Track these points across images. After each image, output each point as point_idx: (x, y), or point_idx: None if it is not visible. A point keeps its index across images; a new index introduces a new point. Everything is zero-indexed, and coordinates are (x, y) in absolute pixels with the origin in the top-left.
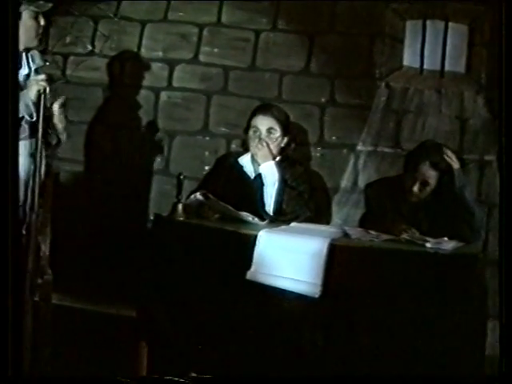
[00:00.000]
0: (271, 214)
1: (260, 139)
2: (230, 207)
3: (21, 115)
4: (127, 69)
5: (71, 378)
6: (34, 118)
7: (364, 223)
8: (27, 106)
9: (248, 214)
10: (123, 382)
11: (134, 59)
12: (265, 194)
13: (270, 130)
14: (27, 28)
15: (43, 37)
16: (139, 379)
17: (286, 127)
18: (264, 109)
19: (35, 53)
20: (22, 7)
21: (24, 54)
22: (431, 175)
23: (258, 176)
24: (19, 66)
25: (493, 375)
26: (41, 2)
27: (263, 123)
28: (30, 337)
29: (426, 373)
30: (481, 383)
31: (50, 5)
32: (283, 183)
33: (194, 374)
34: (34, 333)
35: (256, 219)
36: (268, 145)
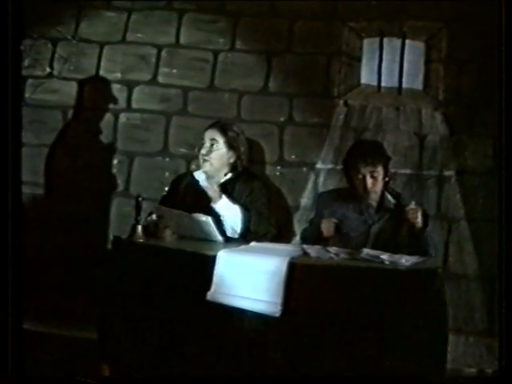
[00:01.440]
0: (236, 236)
1: (204, 151)
2: (184, 212)
3: None
4: (87, 91)
5: (72, 377)
6: None
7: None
8: None
9: (201, 215)
10: None
11: (94, 81)
12: (225, 223)
13: (212, 142)
14: None
15: None
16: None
17: (233, 141)
18: (212, 124)
19: None
20: None
21: None
22: (376, 169)
23: None
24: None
25: (493, 376)
26: None
27: (207, 135)
28: None
29: None
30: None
31: None
32: (245, 210)
33: None
34: None
35: (210, 219)
36: (210, 158)
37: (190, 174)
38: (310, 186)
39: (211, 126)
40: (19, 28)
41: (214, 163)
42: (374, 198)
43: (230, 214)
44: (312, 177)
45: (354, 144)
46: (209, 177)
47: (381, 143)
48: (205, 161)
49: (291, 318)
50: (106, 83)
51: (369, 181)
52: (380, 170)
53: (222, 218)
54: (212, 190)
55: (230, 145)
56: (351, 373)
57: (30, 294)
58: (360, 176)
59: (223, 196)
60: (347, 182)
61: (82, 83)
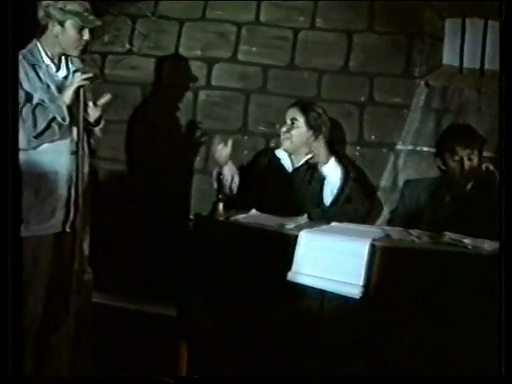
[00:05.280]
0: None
1: (285, 128)
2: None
3: (52, 116)
4: (166, 68)
5: (71, 378)
6: (67, 121)
7: (394, 218)
8: (59, 107)
9: (290, 220)
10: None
11: (174, 58)
12: (324, 193)
13: (292, 121)
14: (69, 37)
15: (85, 48)
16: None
17: (313, 121)
18: (294, 103)
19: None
20: (68, 22)
21: (63, 58)
22: (473, 152)
23: (296, 169)
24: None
25: (493, 376)
26: (90, 18)
27: (289, 114)
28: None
29: (462, 373)
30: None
31: (99, 23)
32: (346, 179)
33: None
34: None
35: (299, 219)
36: (291, 135)
37: (271, 151)
38: (389, 167)
39: (293, 105)
40: None
41: (294, 141)
42: (469, 182)
43: (335, 176)
44: (391, 158)
45: (448, 127)
46: (289, 154)
47: (473, 127)
48: (285, 138)
49: (371, 300)
50: (184, 61)
51: (466, 163)
52: (476, 153)
53: (325, 181)
54: (321, 150)
55: (311, 124)
56: (427, 357)
57: (108, 270)
58: (457, 158)
59: (331, 158)
60: (441, 165)
61: (160, 60)
